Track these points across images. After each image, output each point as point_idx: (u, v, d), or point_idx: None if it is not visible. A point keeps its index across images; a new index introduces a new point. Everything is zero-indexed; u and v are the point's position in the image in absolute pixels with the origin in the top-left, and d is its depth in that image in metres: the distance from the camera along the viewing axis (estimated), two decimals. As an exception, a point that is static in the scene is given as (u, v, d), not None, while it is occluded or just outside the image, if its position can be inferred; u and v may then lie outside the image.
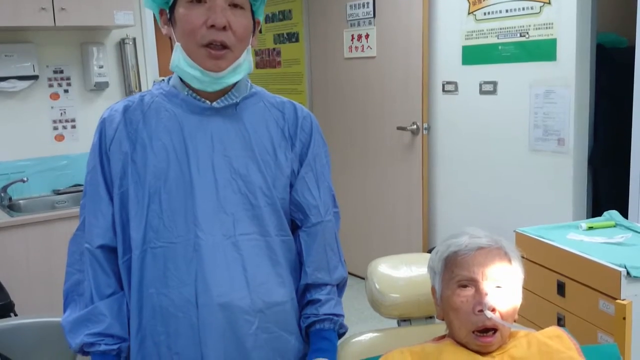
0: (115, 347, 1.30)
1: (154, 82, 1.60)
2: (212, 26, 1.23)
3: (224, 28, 1.23)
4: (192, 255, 1.27)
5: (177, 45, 1.27)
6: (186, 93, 1.32)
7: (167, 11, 1.29)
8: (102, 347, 1.29)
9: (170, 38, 1.31)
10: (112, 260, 1.32)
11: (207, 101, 1.31)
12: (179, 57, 1.27)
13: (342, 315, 1.41)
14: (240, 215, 1.29)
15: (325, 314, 1.37)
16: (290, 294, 1.37)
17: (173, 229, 1.27)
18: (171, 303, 1.27)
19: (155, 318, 1.28)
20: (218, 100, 1.32)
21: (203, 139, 1.29)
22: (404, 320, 1.65)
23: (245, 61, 1.30)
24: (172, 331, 1.28)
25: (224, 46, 1.25)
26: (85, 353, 1.31)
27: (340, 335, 1.44)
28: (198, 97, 1.31)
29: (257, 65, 5.11)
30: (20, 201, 3.31)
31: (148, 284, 1.28)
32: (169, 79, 1.38)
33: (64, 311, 1.34)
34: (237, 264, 1.28)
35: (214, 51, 1.25)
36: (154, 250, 1.27)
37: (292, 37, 4.74)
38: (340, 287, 1.45)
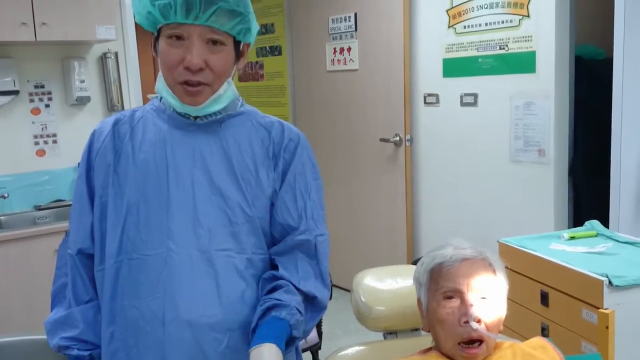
0: (86, 353, 1.31)
1: (149, 97, 1.62)
2: (188, 67, 1.23)
3: (200, 69, 1.24)
4: (162, 268, 1.25)
5: (160, 75, 1.29)
6: (172, 110, 1.33)
7: (155, 35, 1.30)
8: (75, 352, 1.31)
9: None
10: (90, 267, 1.34)
11: (192, 117, 1.32)
12: (162, 85, 1.30)
13: (302, 316, 1.26)
14: (217, 231, 1.27)
15: (279, 300, 1.23)
16: None
17: (148, 241, 1.27)
18: (141, 316, 1.26)
19: (128, 331, 1.28)
20: (202, 117, 1.32)
21: (184, 153, 1.30)
22: (390, 333, 1.65)
23: (227, 91, 1.31)
24: (142, 345, 1.27)
25: (200, 83, 1.26)
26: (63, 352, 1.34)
27: (292, 341, 1.26)
28: (182, 113, 1.32)
29: (240, 79, 5.12)
30: (1, 217, 3.27)
31: (121, 295, 1.28)
32: None
33: (51, 311, 1.38)
34: (210, 280, 1.26)
35: (190, 88, 1.26)
36: (130, 261, 1.27)
37: (275, 50, 4.75)
38: (311, 301, 1.30)
